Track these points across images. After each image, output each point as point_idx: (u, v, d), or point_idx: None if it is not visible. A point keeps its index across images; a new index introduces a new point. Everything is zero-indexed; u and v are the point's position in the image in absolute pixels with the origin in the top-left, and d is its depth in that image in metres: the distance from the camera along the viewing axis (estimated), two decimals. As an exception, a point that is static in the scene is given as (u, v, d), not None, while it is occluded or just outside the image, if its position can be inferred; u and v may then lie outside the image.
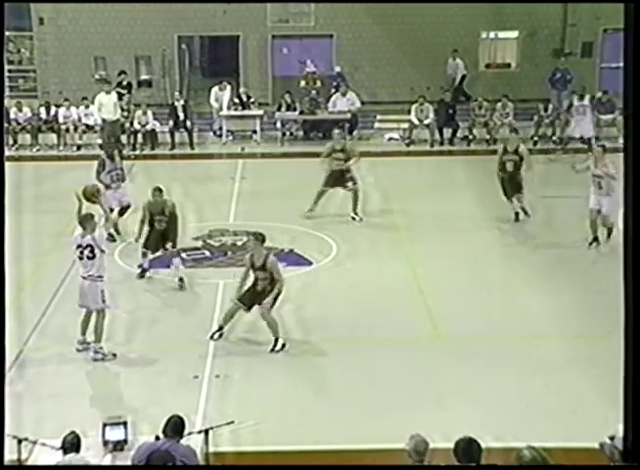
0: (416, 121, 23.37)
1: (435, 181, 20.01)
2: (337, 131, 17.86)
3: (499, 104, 23.62)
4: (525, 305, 12.98)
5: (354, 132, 23.85)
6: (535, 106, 23.70)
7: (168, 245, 13.77)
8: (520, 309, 12.81)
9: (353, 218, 16.81)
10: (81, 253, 11.11)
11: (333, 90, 24.41)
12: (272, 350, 11.47)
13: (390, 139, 23.85)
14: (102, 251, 11.12)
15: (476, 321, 12.38)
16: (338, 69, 25.75)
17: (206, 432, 7.94)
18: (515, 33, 27.22)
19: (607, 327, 11.90)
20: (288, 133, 24.09)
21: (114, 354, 11.22)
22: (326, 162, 17.05)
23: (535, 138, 22.86)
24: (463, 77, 26.28)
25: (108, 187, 15.37)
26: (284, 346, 11.51)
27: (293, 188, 18.56)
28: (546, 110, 23.46)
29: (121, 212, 15.79)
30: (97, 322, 11.23)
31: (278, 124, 24.12)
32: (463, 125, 23.53)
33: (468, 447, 6.68)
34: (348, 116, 23.55)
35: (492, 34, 27.34)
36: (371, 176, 18.85)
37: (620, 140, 22.80)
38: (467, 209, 17.46)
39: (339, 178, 16.91)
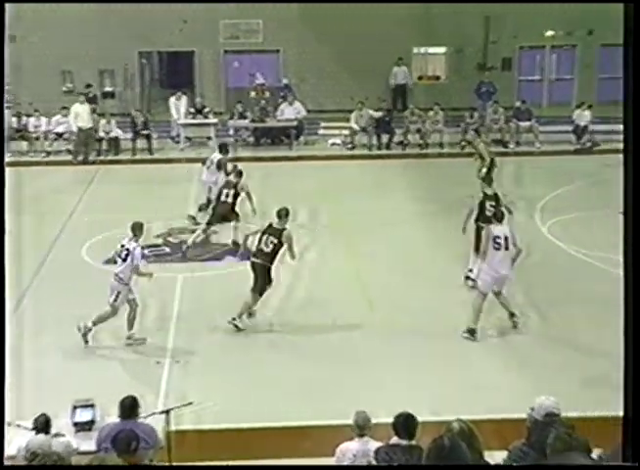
0: (356, 127, 23.42)
1: (374, 182, 20.04)
2: None
3: (431, 112, 23.78)
4: (457, 294, 13.08)
5: (300, 138, 23.87)
6: (463, 114, 23.94)
7: None
8: (453, 298, 12.90)
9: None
10: (120, 253, 11.14)
11: (281, 100, 24.42)
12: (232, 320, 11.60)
13: (333, 144, 23.87)
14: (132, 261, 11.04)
15: (410, 308, 12.45)
16: (285, 80, 25.75)
17: (168, 412, 7.88)
18: (443, 49, 27.45)
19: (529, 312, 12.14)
20: (240, 139, 24.01)
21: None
22: None
23: (463, 143, 23.01)
24: (406, 85, 26.47)
25: None
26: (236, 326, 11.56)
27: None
28: (472, 117, 23.71)
29: None
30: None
31: (231, 131, 24.05)
32: (398, 132, 23.64)
33: (405, 422, 6.71)
34: (295, 123, 23.59)
35: (423, 50, 27.55)
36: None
37: (537, 144, 23.30)
38: (402, 206, 17.54)
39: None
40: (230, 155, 17.32)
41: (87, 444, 7.43)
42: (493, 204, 13.39)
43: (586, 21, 26.39)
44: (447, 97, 24.99)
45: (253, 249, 12.13)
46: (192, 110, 24.02)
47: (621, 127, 20.17)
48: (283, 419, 9.36)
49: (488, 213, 13.11)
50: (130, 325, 11.30)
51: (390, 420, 6.74)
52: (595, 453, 6.24)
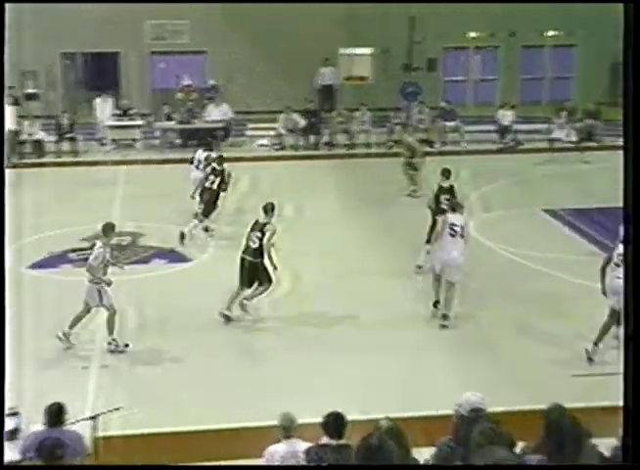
0: (282, 131, 23.43)
1: (302, 183, 20.07)
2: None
3: (358, 112, 23.91)
4: (386, 289, 13.17)
5: (228, 139, 23.77)
6: (389, 114, 24.13)
7: None
8: (379, 294, 12.99)
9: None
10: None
11: (207, 101, 24.28)
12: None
13: (261, 145, 23.84)
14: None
15: (341, 306, 12.51)
16: (212, 82, 25.60)
17: (94, 418, 7.76)
18: (369, 50, 27.61)
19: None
20: (167, 141, 23.79)
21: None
22: None
23: (390, 143, 23.19)
24: (333, 85, 26.53)
25: None
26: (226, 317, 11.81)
27: (172, 191, 18.32)
28: (397, 117, 23.91)
29: None
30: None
31: (157, 133, 23.82)
32: (326, 132, 23.71)
33: (335, 421, 6.73)
34: (222, 124, 23.49)
35: (350, 50, 27.67)
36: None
37: (462, 144, 23.61)
38: (331, 206, 17.62)
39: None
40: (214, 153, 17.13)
41: (11, 453, 7.26)
42: (448, 197, 13.63)
43: (508, 22, 26.86)
44: (374, 97, 25.16)
45: (243, 245, 12.21)
46: (117, 112, 23.73)
47: (543, 127, 20.84)
48: (210, 422, 9.30)
49: (443, 206, 13.33)
50: (111, 329, 11.15)
51: (320, 420, 6.76)
52: (519, 447, 6.38)
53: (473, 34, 27.34)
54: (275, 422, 7.14)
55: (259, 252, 11.95)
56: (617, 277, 10.38)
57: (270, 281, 12.10)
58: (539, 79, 28.47)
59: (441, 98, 25.60)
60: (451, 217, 12.20)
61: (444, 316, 12.07)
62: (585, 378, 10.41)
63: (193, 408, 9.59)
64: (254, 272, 12.03)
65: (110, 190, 18.92)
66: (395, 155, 19.95)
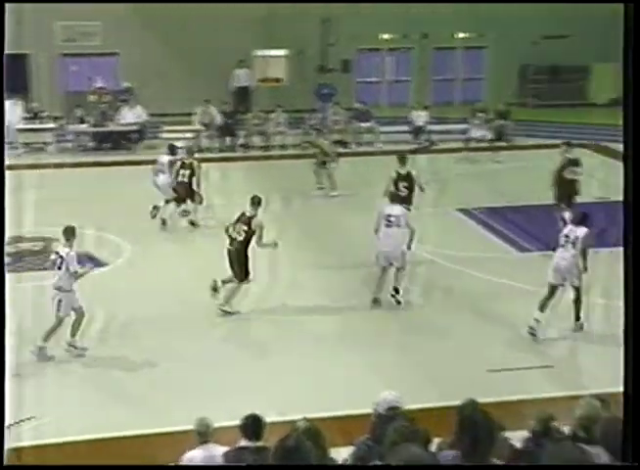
0: (200, 127, 23.23)
1: (218, 184, 19.87)
2: None
3: (273, 114, 23.91)
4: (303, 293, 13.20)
5: (143, 142, 23.49)
6: (304, 116, 24.18)
7: None
8: (298, 298, 13.01)
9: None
10: (55, 261, 10.82)
11: (121, 104, 23.95)
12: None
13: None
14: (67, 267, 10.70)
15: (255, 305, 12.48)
16: (125, 84, 25.26)
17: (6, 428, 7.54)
18: (284, 51, 27.63)
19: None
20: (80, 144, 23.39)
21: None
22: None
23: (305, 144, 23.22)
24: (248, 87, 26.48)
25: None
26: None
27: (86, 195, 18.04)
28: (313, 119, 23.98)
29: None
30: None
31: (70, 136, 23.42)
32: (242, 134, 23.64)
33: (252, 424, 6.72)
34: (137, 127, 23.20)
35: (264, 52, 27.64)
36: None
37: (378, 144, 23.81)
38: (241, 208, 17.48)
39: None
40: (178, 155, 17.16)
41: None
42: (406, 185, 13.76)
43: (421, 24, 27.19)
44: (289, 99, 25.20)
45: (228, 238, 12.29)
46: (28, 115, 23.24)
47: (457, 127, 21.15)
48: (125, 428, 9.17)
49: (401, 194, 13.43)
50: (74, 332, 10.98)
51: (238, 423, 6.74)
52: (435, 443, 6.47)
53: (386, 36, 27.60)
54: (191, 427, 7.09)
55: (245, 244, 12.05)
56: (560, 257, 11.47)
57: (243, 278, 12.10)
58: (451, 80, 28.93)
59: (356, 99, 25.79)
60: (386, 208, 12.54)
61: (396, 290, 12.61)
62: (499, 373, 10.61)
63: (108, 416, 9.44)
64: (241, 264, 12.13)
65: (21, 194, 18.46)
66: (312, 156, 20.02)
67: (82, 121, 23.25)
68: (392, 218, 12.40)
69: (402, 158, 14.64)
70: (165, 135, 24.33)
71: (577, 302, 11.66)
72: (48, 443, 8.75)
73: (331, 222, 17.05)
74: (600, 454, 5.41)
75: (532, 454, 6.06)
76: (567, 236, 11.59)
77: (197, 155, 17.57)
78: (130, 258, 14.78)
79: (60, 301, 10.81)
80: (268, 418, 6.84)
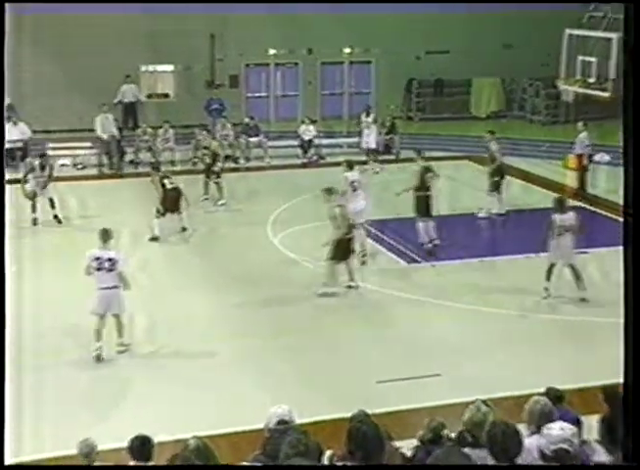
0: (104, 135, 22.69)
1: (107, 202, 19.50)
2: None
3: (161, 130, 23.61)
4: (191, 308, 13.04)
5: (27, 160, 22.73)
6: (193, 131, 23.92)
7: None
8: (186, 313, 12.84)
9: None
10: (100, 265, 11.11)
11: (5, 120, 23.18)
12: None
13: (63, 165, 22.99)
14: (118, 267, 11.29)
15: (150, 329, 12.27)
16: (8, 100, 24.47)
17: None
18: (171, 67, 27.42)
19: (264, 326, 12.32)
20: (-39, 163, 22.59)
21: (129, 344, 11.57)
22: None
23: (195, 159, 22.99)
24: (136, 103, 26.12)
25: None
26: None
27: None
28: (201, 134, 23.69)
29: None
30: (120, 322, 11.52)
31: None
32: (130, 150, 23.25)
33: (141, 445, 6.58)
34: (20, 144, 22.53)
35: (152, 67, 27.37)
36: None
37: (266, 159, 23.79)
38: (142, 223, 17.22)
39: None
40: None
41: None
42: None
43: (306, 39, 27.38)
44: (178, 114, 24.96)
45: None
46: None
47: (344, 141, 21.43)
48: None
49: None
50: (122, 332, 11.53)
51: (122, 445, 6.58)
52: (327, 455, 6.45)
53: (273, 51, 27.67)
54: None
55: None
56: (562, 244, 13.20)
57: None
58: (339, 94, 29.20)
59: (245, 114, 25.74)
60: (350, 175, 15.35)
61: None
62: (390, 383, 10.68)
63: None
64: None
65: None
66: (199, 172, 19.86)
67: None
68: (356, 183, 15.38)
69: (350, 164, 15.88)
70: (51, 152, 23.77)
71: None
72: None
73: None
74: (486, 457, 5.49)
75: (422, 462, 6.12)
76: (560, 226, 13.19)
77: (81, 172, 17.37)
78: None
79: (119, 299, 11.29)
80: (156, 438, 6.70)
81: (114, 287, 11.30)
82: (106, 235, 11.47)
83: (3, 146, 5.70)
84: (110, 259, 11.25)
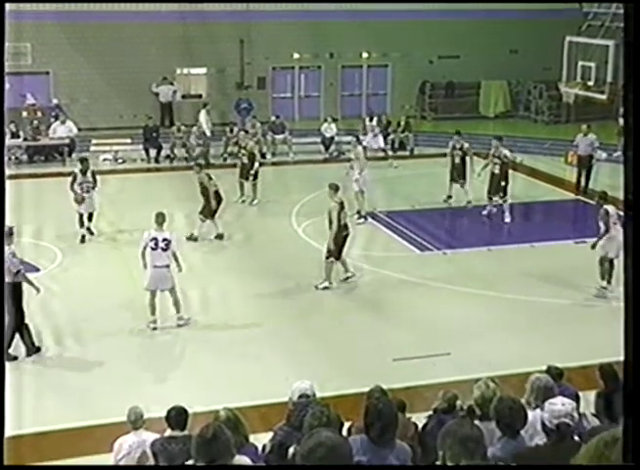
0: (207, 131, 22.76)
1: (145, 193, 19.58)
2: None
3: (194, 127, 23.63)
4: (223, 292, 13.09)
5: (73, 155, 22.91)
6: (224, 129, 23.97)
7: None
8: (220, 298, 12.89)
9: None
10: (156, 244, 11.20)
11: (53, 119, 23.38)
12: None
13: (105, 160, 23.13)
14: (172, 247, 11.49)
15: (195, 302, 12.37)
16: (55, 100, 24.70)
17: None
18: (204, 70, 27.46)
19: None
20: (14, 158, 22.74)
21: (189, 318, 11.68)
22: None
23: (225, 155, 23.03)
24: (172, 102, 26.16)
25: None
26: None
27: (24, 206, 17.50)
28: (232, 131, 23.70)
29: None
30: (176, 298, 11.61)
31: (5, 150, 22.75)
32: (166, 146, 23.33)
33: (177, 415, 6.66)
34: (67, 141, 22.67)
35: (186, 70, 27.43)
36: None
37: (291, 155, 23.76)
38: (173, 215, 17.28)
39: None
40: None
41: None
42: None
43: (328, 45, 27.34)
44: (210, 113, 24.96)
45: None
46: (-37, 130, 22.49)
47: (362, 138, 21.33)
48: (62, 421, 8.95)
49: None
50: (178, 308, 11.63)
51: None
52: (346, 427, 6.51)
53: (297, 55, 27.64)
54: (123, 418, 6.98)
55: None
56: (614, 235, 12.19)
57: None
58: (358, 95, 29.15)
59: (271, 113, 25.74)
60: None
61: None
62: (404, 361, 10.69)
63: (47, 411, 9.19)
64: None
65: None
66: (233, 166, 19.85)
67: (16, 136, 22.60)
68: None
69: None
70: (94, 148, 23.92)
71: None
72: None
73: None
74: (494, 430, 5.51)
75: (433, 430, 6.15)
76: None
77: (121, 166, 17.23)
78: (62, 264, 14.42)
79: (171, 276, 11.42)
80: (191, 409, 6.77)
81: (167, 266, 11.40)
82: (161, 217, 11.57)
83: (3, 146, 5.73)
84: (165, 240, 11.35)
